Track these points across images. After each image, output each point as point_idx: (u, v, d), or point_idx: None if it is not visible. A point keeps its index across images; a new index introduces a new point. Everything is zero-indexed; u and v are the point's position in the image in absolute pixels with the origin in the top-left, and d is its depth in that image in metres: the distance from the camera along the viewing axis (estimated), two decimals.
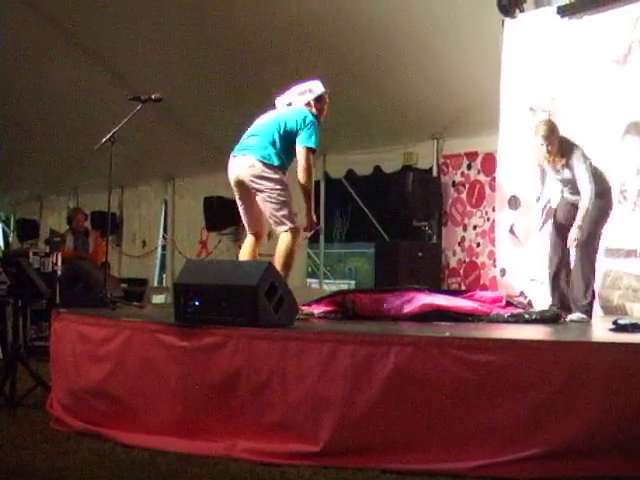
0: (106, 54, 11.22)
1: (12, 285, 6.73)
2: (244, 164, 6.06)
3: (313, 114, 6.16)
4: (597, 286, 7.52)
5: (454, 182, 10.55)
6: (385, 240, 12.08)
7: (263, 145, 6.04)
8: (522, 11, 8.45)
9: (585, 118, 7.82)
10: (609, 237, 7.37)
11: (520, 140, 8.42)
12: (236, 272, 5.04)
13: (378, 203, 12.48)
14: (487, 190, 10.02)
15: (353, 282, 22.67)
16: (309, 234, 6.74)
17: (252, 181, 6.02)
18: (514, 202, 8.52)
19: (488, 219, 9.90)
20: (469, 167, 10.37)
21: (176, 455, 4.57)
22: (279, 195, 6.00)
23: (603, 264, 7.53)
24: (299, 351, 4.53)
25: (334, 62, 9.86)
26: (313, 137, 6.05)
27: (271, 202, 6.01)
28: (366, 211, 13.01)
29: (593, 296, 6.72)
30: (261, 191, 6.02)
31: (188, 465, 4.38)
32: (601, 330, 5.54)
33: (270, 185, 5.99)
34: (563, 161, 6.57)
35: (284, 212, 6.00)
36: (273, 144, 6.04)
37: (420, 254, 10.12)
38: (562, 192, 6.84)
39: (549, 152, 6.58)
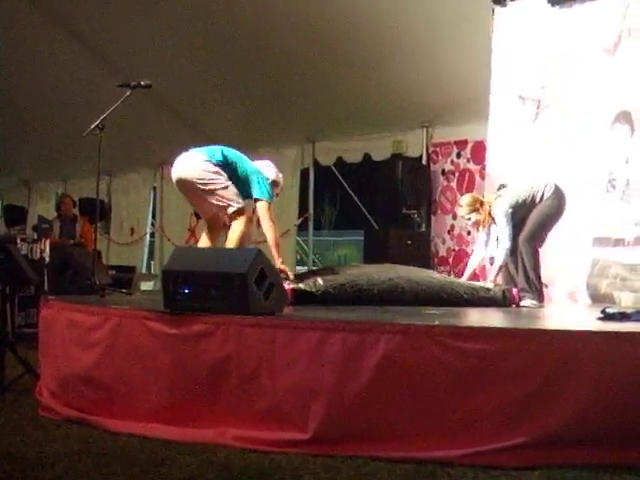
0: (96, 40, 11.16)
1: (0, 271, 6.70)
2: (188, 160, 6.34)
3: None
4: (585, 275, 7.57)
5: (444, 170, 10.57)
6: (374, 228, 12.07)
7: (211, 150, 6.34)
8: (513, 0, 8.43)
9: (575, 107, 7.86)
10: (597, 226, 7.41)
11: (510, 128, 8.44)
12: (225, 259, 5.03)
13: (367, 191, 12.50)
14: (477, 178, 10.03)
15: None
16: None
17: (194, 176, 6.27)
18: None
19: None
20: (459, 155, 10.38)
21: (165, 442, 4.56)
22: (218, 181, 6.26)
23: (591, 253, 7.57)
24: (289, 339, 4.52)
25: (324, 50, 9.85)
26: (268, 190, 6.38)
27: (213, 189, 6.27)
28: (355, 199, 13.01)
29: (539, 285, 6.92)
30: (202, 182, 6.26)
31: (177, 452, 4.38)
32: (589, 319, 5.55)
33: (210, 175, 6.26)
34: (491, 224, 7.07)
35: (227, 194, 6.27)
36: (220, 156, 6.31)
37: (409, 242, 10.14)
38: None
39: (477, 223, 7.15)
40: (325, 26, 9.48)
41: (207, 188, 6.28)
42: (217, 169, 6.26)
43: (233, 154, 6.43)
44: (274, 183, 6.56)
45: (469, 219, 7.14)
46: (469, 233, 10.09)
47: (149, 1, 10.03)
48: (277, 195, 6.67)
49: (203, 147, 6.42)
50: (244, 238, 6.33)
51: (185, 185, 6.37)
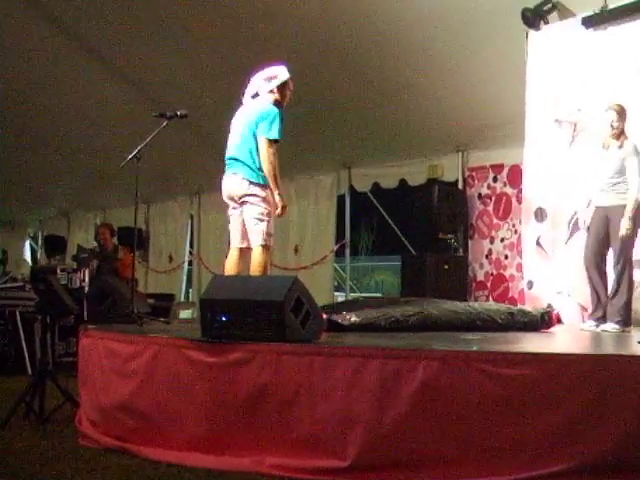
0: (132, 71, 11.30)
1: (40, 301, 6.77)
2: (235, 181, 6.40)
3: (276, 102, 6.42)
4: None
5: (480, 194, 10.53)
6: (411, 253, 12.05)
7: (248, 162, 6.36)
8: (546, 23, 8.40)
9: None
10: (637, 249, 7.31)
11: (546, 152, 8.40)
12: (262, 287, 5.04)
13: (404, 216, 12.47)
14: (514, 202, 9.99)
15: (380, 295, 22.62)
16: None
17: (241, 197, 6.36)
18: (540, 214, 8.48)
19: (516, 231, 9.85)
20: (495, 179, 10.34)
21: (204, 471, 4.58)
22: (260, 212, 6.32)
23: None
24: (326, 366, 4.52)
25: (358, 76, 9.88)
26: (273, 127, 6.33)
27: (252, 216, 6.33)
28: (392, 224, 12.99)
29: (629, 307, 6.80)
30: (247, 204, 6.36)
31: None
32: (630, 343, 5.49)
33: (255, 201, 6.32)
34: (619, 144, 6.84)
35: (261, 228, 6.32)
36: (254, 159, 6.35)
37: (446, 267, 10.09)
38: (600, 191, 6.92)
39: (613, 128, 6.85)
40: (359, 53, 9.52)
41: (247, 209, 6.37)
42: (262, 193, 6.32)
43: (249, 131, 6.40)
44: (283, 87, 6.46)
45: (612, 119, 6.90)
46: (507, 257, 10.04)
47: (184, 33, 10.13)
48: (288, 97, 6.52)
49: (238, 157, 6.40)
50: (267, 265, 6.39)
51: (234, 202, 6.47)
